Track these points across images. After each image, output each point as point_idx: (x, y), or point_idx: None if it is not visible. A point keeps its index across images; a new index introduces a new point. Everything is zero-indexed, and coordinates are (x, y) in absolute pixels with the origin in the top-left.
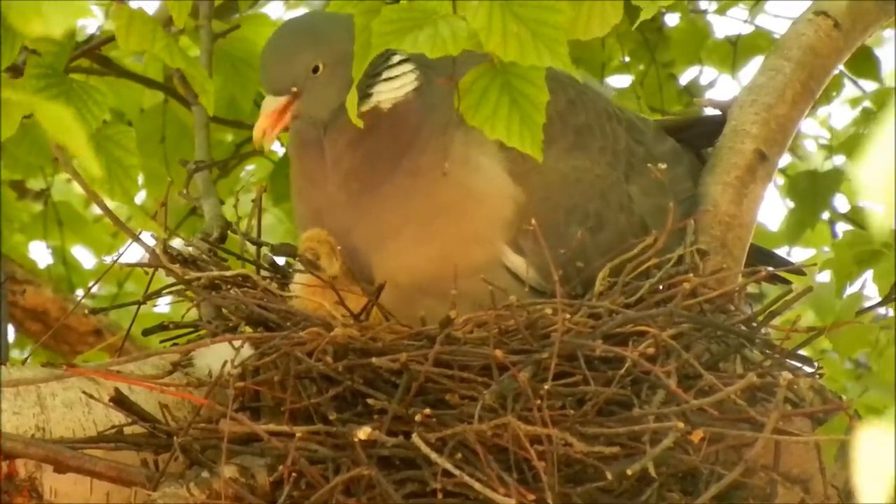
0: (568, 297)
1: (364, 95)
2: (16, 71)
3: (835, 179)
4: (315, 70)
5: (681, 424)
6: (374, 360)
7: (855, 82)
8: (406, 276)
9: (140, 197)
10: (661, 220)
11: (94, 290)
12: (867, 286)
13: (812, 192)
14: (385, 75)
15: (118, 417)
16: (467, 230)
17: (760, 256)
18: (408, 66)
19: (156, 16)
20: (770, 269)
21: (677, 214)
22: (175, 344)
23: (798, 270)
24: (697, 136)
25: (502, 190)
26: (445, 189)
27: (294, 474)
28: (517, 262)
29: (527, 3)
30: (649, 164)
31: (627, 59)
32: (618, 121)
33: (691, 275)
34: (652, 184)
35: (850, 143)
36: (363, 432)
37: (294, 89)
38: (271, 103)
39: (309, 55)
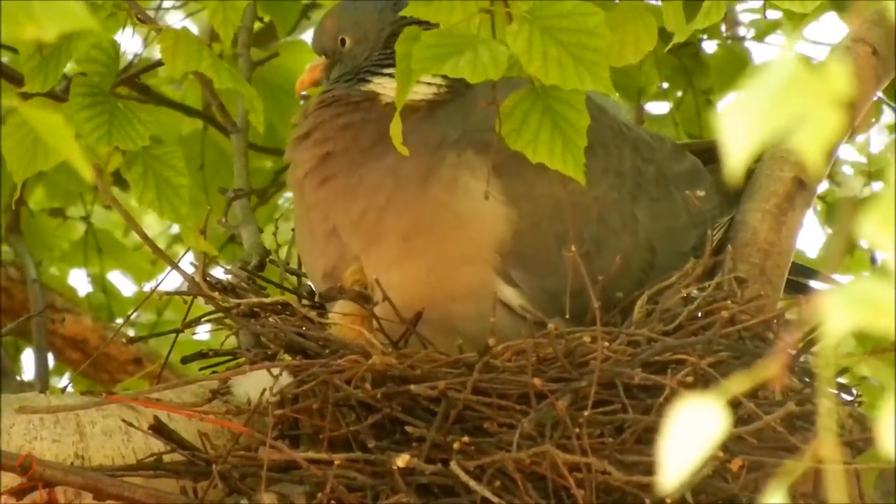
0: (566, 324)
1: (362, 80)
2: (57, 98)
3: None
4: (343, 42)
5: (720, 453)
6: (412, 387)
7: (894, 108)
8: (397, 293)
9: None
10: (671, 244)
11: (133, 318)
12: None
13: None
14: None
15: (157, 445)
16: (453, 251)
17: (797, 269)
18: (439, 79)
19: None
20: (807, 297)
21: (694, 236)
22: (214, 372)
23: (828, 279)
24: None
25: (491, 214)
26: (426, 208)
27: (333, 502)
28: (509, 294)
29: (567, 27)
30: (688, 192)
31: (665, 85)
32: (623, 139)
33: (730, 302)
34: (662, 207)
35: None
36: (402, 460)
37: (324, 57)
38: (315, 61)
39: (337, 27)
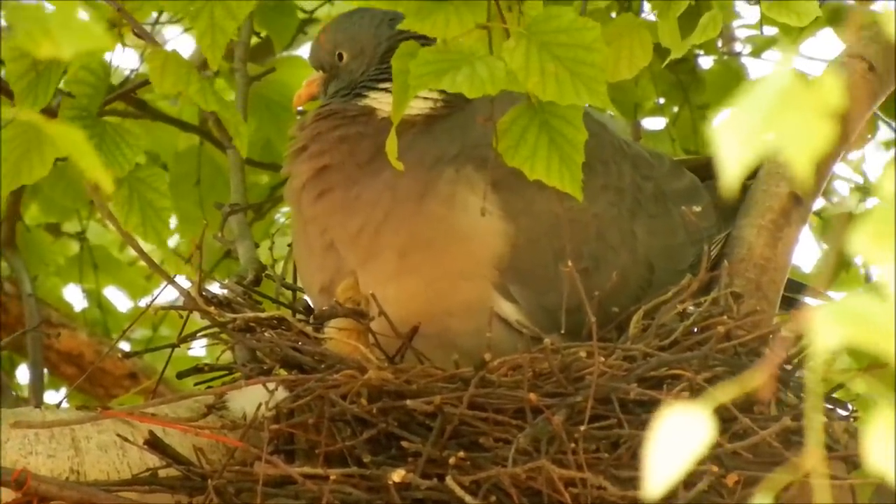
0: (563, 340)
1: (358, 95)
2: (50, 114)
3: None
4: (340, 57)
5: (715, 468)
6: (408, 402)
7: (889, 125)
8: (394, 309)
9: (174, 239)
10: (669, 262)
11: (128, 333)
12: None
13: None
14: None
15: (152, 460)
16: (451, 266)
17: (793, 285)
18: (436, 94)
19: (191, 59)
20: (797, 311)
21: (692, 254)
22: (209, 387)
23: (821, 295)
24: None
25: (489, 229)
26: (424, 223)
27: None
28: (507, 310)
29: (565, 42)
30: (683, 207)
31: (662, 100)
32: (623, 156)
33: (725, 317)
34: (660, 224)
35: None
36: (397, 475)
37: (321, 71)
38: (312, 75)
39: (334, 42)
